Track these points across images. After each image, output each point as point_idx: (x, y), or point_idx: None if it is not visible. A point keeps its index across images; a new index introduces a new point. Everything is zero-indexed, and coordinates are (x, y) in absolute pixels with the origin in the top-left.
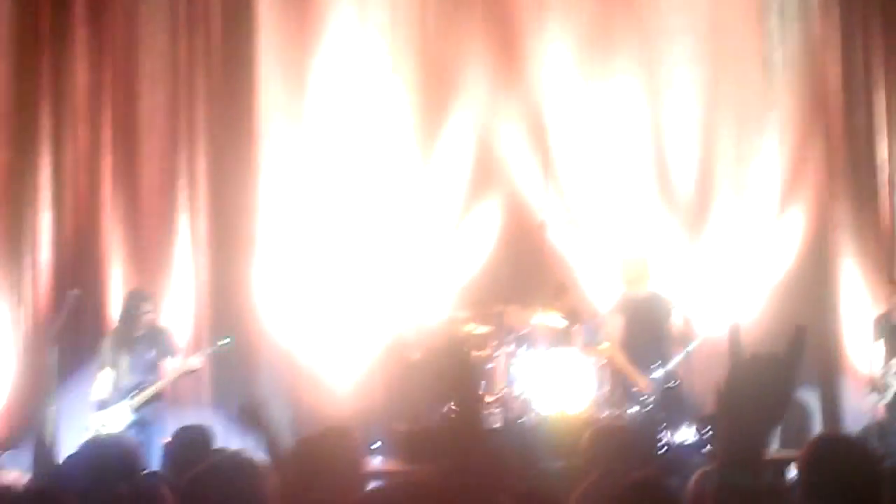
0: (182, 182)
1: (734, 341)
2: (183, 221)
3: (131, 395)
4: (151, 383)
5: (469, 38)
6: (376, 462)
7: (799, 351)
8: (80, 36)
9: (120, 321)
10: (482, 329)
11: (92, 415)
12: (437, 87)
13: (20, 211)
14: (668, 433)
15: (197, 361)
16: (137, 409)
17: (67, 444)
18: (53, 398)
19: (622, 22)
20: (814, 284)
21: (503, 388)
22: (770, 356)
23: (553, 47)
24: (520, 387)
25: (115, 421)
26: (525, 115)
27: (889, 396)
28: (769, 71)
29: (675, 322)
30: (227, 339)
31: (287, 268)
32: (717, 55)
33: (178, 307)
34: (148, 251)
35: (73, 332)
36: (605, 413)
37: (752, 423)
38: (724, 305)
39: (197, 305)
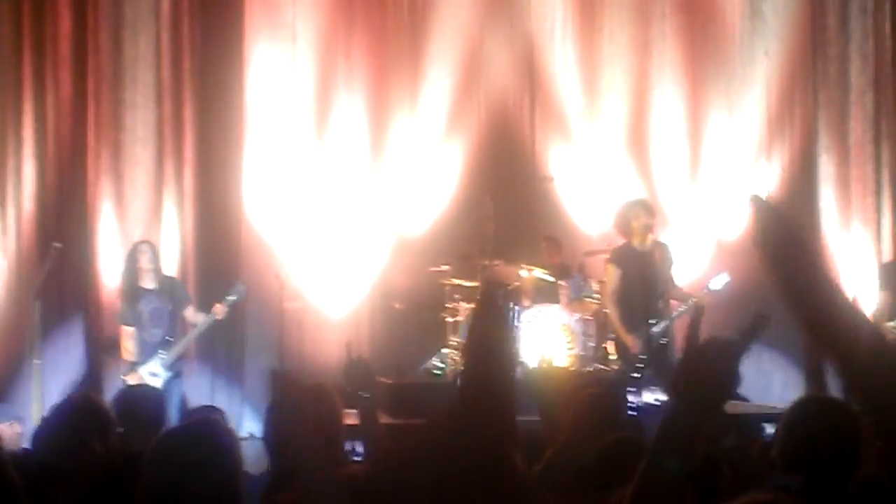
0: (168, 130)
1: (694, 323)
2: (169, 170)
3: (161, 351)
4: (175, 336)
5: None
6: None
7: (752, 339)
8: None
9: (122, 276)
10: (468, 284)
11: (128, 375)
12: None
13: (2, 161)
14: (640, 394)
15: (221, 313)
16: (171, 366)
17: (53, 399)
18: (37, 353)
19: None
20: None
21: None
22: (725, 342)
23: None
24: None
25: (153, 380)
26: (514, 57)
27: None
28: (758, 20)
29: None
30: (243, 287)
31: (275, 216)
32: (706, 3)
33: (165, 257)
34: (133, 201)
35: (56, 285)
36: (590, 368)
37: (694, 408)
38: (712, 259)
39: (183, 255)
